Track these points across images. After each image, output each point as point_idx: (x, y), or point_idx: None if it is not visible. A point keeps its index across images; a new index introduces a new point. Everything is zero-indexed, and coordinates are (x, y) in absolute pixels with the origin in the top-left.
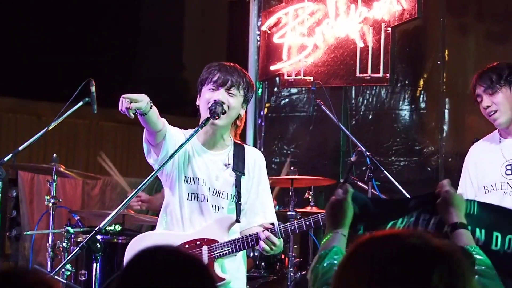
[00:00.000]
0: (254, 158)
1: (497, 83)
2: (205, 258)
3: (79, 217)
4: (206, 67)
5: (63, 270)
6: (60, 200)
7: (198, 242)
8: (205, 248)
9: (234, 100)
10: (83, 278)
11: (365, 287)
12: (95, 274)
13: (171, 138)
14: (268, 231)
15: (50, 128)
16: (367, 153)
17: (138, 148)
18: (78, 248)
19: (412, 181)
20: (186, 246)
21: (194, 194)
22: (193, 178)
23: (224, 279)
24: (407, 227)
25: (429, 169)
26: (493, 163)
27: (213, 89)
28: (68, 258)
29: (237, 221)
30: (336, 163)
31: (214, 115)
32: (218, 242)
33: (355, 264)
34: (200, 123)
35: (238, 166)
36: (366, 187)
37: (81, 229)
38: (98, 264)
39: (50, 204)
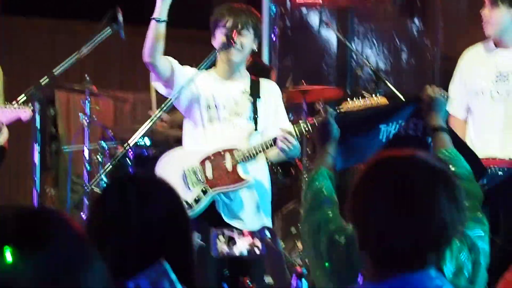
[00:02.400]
0: (270, 88)
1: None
2: (228, 163)
3: (111, 132)
4: (217, 10)
5: (98, 180)
6: (94, 117)
7: (222, 153)
8: (227, 155)
9: (246, 39)
10: None
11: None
12: None
13: (181, 72)
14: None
15: (81, 54)
16: (372, 67)
17: None
18: (109, 164)
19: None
20: (212, 157)
21: (215, 118)
22: (215, 104)
23: (246, 180)
24: (399, 130)
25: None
26: (485, 69)
27: (226, 33)
28: (101, 172)
29: (256, 129)
30: (344, 75)
31: (229, 43)
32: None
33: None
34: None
35: (255, 92)
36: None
37: (114, 143)
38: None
39: (85, 121)
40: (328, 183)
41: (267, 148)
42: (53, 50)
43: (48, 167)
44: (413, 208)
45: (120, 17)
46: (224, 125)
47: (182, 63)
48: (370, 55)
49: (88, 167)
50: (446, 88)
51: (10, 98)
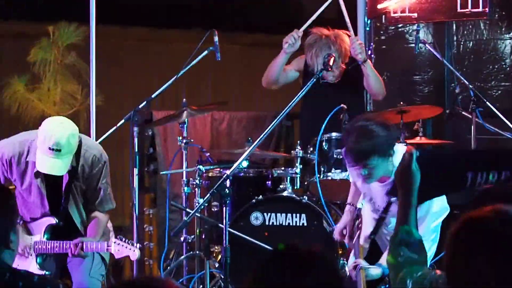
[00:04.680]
0: None
1: None
2: None
3: (209, 154)
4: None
5: (197, 204)
6: (191, 140)
7: None
8: None
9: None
10: (215, 209)
11: None
12: (225, 211)
13: None
14: None
15: (178, 76)
16: (470, 86)
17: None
18: (209, 195)
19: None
20: None
21: None
22: None
23: None
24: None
25: None
26: None
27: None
28: (199, 205)
29: (370, 237)
30: (441, 92)
31: (327, 67)
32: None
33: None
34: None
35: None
36: (470, 116)
37: (211, 166)
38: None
39: (183, 144)
40: (413, 241)
41: None
42: (146, 57)
43: (147, 188)
44: None
45: (216, 39)
46: None
47: None
48: (469, 71)
49: (186, 190)
50: None
51: (108, 109)
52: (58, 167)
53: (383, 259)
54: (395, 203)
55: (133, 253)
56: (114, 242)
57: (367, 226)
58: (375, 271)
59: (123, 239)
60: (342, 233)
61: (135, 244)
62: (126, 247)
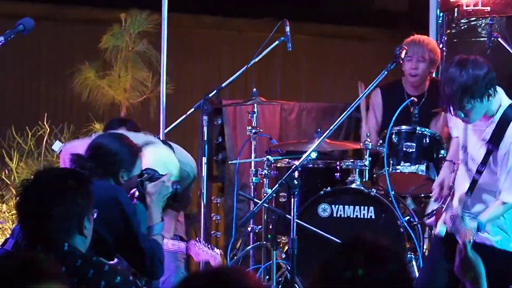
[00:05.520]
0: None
1: None
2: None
3: (277, 143)
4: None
5: (264, 194)
6: (261, 130)
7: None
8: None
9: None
10: (283, 200)
11: None
12: (293, 202)
13: None
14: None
15: (249, 65)
16: None
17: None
18: (277, 185)
19: None
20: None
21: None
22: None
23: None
24: None
25: None
26: None
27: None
28: (267, 196)
29: (466, 194)
30: None
31: (398, 59)
32: (452, 207)
33: None
34: None
35: (494, 139)
36: None
37: (280, 157)
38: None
39: (252, 134)
40: None
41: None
42: (217, 46)
43: (215, 177)
44: None
45: (288, 29)
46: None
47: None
48: None
49: (254, 180)
50: None
51: (178, 97)
52: None
53: (483, 216)
54: (494, 155)
55: (215, 258)
56: (194, 244)
57: (461, 187)
58: (472, 223)
59: (202, 242)
60: (441, 185)
61: (215, 249)
62: (207, 252)
